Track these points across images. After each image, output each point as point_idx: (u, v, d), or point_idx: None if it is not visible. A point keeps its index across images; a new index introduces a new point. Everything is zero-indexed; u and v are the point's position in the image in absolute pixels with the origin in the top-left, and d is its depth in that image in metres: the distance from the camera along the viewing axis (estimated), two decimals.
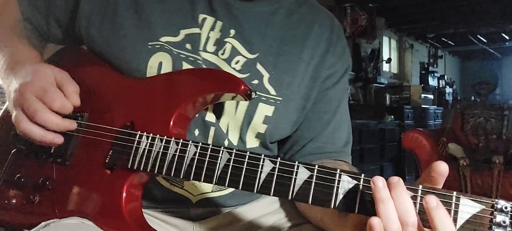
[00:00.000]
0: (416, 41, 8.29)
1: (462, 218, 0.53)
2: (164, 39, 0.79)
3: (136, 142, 0.73)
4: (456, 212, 0.53)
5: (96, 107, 0.80)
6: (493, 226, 0.52)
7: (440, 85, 9.17)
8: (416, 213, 0.53)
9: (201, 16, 0.81)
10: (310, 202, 0.59)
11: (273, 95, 0.81)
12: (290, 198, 0.61)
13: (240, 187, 0.64)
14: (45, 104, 0.72)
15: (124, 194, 0.72)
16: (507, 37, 8.24)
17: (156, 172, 0.70)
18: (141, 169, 0.71)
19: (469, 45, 9.04)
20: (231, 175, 0.65)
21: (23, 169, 0.81)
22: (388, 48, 7.61)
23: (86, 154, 0.77)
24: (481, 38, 8.28)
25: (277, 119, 0.81)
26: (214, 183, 0.66)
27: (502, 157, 3.25)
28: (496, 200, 0.53)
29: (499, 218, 0.52)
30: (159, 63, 0.78)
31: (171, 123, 0.74)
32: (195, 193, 0.81)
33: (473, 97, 8.33)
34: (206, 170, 0.67)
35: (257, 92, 0.76)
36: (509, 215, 0.52)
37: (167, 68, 0.78)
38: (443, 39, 8.57)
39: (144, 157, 0.72)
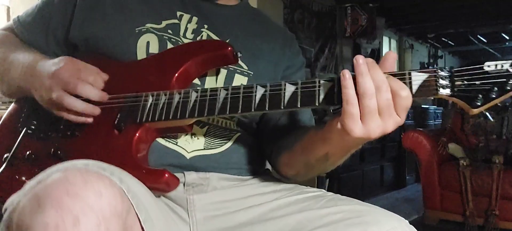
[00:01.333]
0: (416, 41, 8.29)
1: (416, 85, 0.69)
2: (148, 25, 0.92)
3: (142, 100, 0.83)
4: (410, 83, 0.69)
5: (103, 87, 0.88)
6: (438, 88, 0.68)
7: None
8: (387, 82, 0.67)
9: (179, 13, 0.97)
10: (299, 106, 0.73)
11: (245, 69, 0.96)
12: (282, 107, 0.74)
13: (240, 110, 0.76)
14: (81, 80, 0.83)
15: (134, 143, 0.81)
16: (507, 37, 8.24)
17: (163, 118, 0.80)
18: (150, 119, 0.81)
19: (469, 45, 9.03)
20: (231, 104, 0.77)
21: (33, 147, 0.88)
22: (388, 48, 7.61)
23: (94, 123, 0.85)
24: (481, 38, 8.28)
25: None
26: (216, 113, 0.78)
27: (502, 157, 3.26)
28: (437, 68, 0.68)
29: (442, 82, 0.68)
30: (147, 42, 0.91)
31: (172, 85, 0.84)
32: (189, 150, 0.89)
33: None
34: (208, 105, 0.79)
35: (240, 54, 0.87)
36: (449, 79, 0.68)
37: (154, 47, 0.91)
38: (443, 39, 8.56)
39: (151, 109, 0.82)
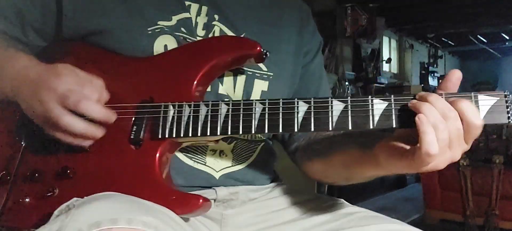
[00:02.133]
0: (416, 41, 8.29)
1: (484, 110, 0.62)
2: (160, 23, 0.81)
3: (162, 111, 0.72)
4: (477, 107, 0.62)
5: (110, 91, 0.75)
6: (510, 112, 0.61)
7: None
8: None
9: (187, 2, 0.84)
10: (350, 128, 0.65)
11: (265, 71, 0.86)
12: (330, 128, 0.66)
13: (280, 129, 0.68)
14: (84, 94, 0.69)
15: (158, 162, 0.71)
16: (507, 37, 8.25)
17: (190, 135, 0.71)
18: (174, 135, 0.71)
19: (469, 45, 9.04)
20: (270, 121, 0.69)
21: (36, 163, 0.76)
22: (388, 48, 7.61)
23: (106, 137, 0.72)
24: (481, 38, 8.28)
25: (272, 93, 0.86)
26: (253, 131, 0.69)
27: (502, 157, 3.25)
28: (507, 92, 0.62)
29: None
30: (165, 45, 0.79)
31: (193, 90, 0.74)
32: (218, 169, 0.83)
33: None
34: (243, 122, 0.69)
35: (268, 54, 0.77)
36: None
37: (171, 48, 0.80)
38: (443, 39, 8.57)
39: (175, 123, 0.71)
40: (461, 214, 3.37)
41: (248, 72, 0.85)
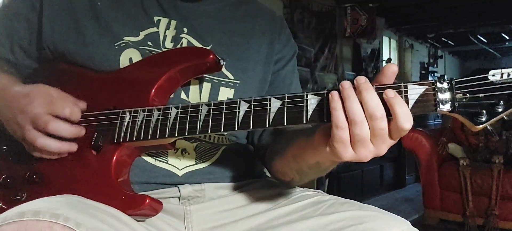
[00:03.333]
0: (416, 41, 8.28)
1: (412, 99, 0.62)
2: (126, 38, 0.86)
3: (119, 118, 0.77)
4: (406, 97, 0.62)
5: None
6: (438, 103, 0.61)
7: None
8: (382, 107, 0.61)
9: (156, 18, 0.90)
10: (285, 124, 0.67)
11: (231, 79, 0.90)
12: (268, 125, 0.68)
13: (222, 128, 0.71)
14: (55, 115, 0.75)
15: (113, 166, 0.75)
16: (507, 37, 8.24)
17: (142, 138, 0.75)
18: (127, 139, 0.76)
19: (469, 45, 9.03)
20: (213, 121, 0.72)
21: (8, 170, 0.81)
22: (388, 48, 7.61)
23: None
24: (481, 38, 8.28)
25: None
26: (198, 132, 0.72)
27: (502, 157, 3.25)
28: (436, 80, 0.61)
29: (441, 96, 0.61)
30: (130, 59, 0.85)
31: (151, 99, 0.78)
32: (180, 167, 0.85)
33: None
34: (189, 124, 0.73)
35: (223, 62, 0.82)
36: (449, 92, 0.61)
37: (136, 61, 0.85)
38: (443, 39, 8.56)
39: (129, 128, 0.76)
40: (461, 214, 3.37)
41: (214, 80, 0.88)
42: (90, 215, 0.63)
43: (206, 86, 0.88)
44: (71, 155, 0.78)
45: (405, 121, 0.60)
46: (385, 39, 7.36)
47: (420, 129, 3.81)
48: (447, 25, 7.12)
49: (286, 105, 0.68)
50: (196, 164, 0.87)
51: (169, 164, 0.85)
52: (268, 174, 1.02)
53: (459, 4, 5.52)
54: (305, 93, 0.67)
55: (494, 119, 0.60)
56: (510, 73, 0.59)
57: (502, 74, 0.60)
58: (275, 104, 0.68)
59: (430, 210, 3.55)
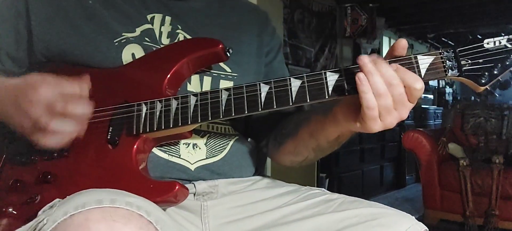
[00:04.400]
0: (416, 41, 8.28)
1: (423, 68, 0.70)
2: (125, 34, 0.86)
3: (135, 110, 0.77)
4: (418, 67, 0.70)
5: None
6: (447, 69, 0.70)
7: (440, 85, 9.16)
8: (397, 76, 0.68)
9: (149, 15, 0.91)
10: (308, 100, 0.71)
11: (229, 72, 0.92)
12: (291, 104, 0.72)
13: (246, 110, 0.73)
14: (67, 94, 0.71)
15: (134, 157, 0.75)
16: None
17: (163, 127, 0.76)
18: (148, 130, 0.76)
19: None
20: (235, 104, 0.74)
21: (17, 173, 0.78)
22: (388, 48, 7.61)
23: (83, 140, 0.75)
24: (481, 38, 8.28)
25: None
26: (221, 116, 0.74)
27: (502, 157, 3.26)
28: (442, 50, 0.70)
29: (448, 63, 0.70)
30: (132, 54, 0.85)
31: (164, 88, 0.79)
32: (192, 161, 0.86)
33: (473, 97, 8.33)
34: (211, 109, 0.74)
35: (231, 51, 0.83)
36: (454, 60, 0.70)
37: (140, 56, 0.85)
38: (443, 39, 8.56)
39: (148, 119, 0.76)
40: (461, 214, 3.37)
41: (214, 74, 0.90)
42: (149, 203, 0.62)
43: (207, 79, 0.89)
44: (87, 151, 0.77)
45: (414, 81, 0.67)
46: (385, 39, 7.37)
47: (420, 129, 3.81)
48: (447, 25, 7.12)
49: (306, 84, 0.72)
50: (207, 158, 0.88)
51: (181, 158, 0.86)
52: (267, 174, 1.04)
53: (459, 4, 5.52)
54: (323, 71, 0.72)
55: (494, 79, 0.70)
56: (501, 40, 0.72)
57: (494, 42, 0.72)
58: (295, 83, 0.72)
59: (430, 210, 3.55)
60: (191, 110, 0.75)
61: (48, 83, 0.72)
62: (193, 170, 0.86)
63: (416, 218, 0.81)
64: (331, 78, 0.71)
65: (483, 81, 0.70)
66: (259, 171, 1.02)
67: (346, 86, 0.70)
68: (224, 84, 0.91)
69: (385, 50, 7.54)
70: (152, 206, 0.63)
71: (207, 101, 0.75)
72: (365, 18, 5.13)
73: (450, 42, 8.90)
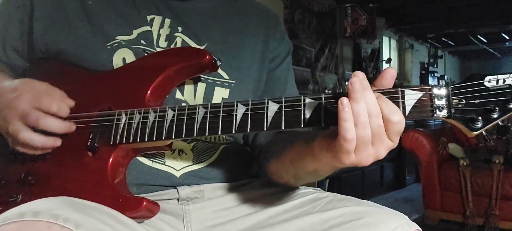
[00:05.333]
0: (416, 41, 8.28)
1: (409, 105, 0.62)
2: (119, 37, 0.85)
3: (115, 119, 0.76)
4: (403, 102, 0.62)
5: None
6: (434, 109, 0.61)
7: None
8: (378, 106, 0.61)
9: (149, 17, 0.89)
10: (283, 127, 0.66)
11: (226, 79, 0.89)
12: (265, 129, 0.67)
13: (220, 131, 0.70)
14: (42, 110, 0.75)
15: (109, 168, 0.74)
16: (507, 37, 8.24)
17: (138, 140, 0.74)
18: (124, 141, 0.75)
19: (469, 45, 9.02)
20: (210, 124, 0.71)
21: (1, 171, 0.81)
22: (388, 48, 7.60)
23: (65, 144, 0.78)
24: (481, 38, 8.27)
25: (233, 99, 0.86)
26: (195, 135, 0.71)
27: (502, 157, 3.25)
28: (433, 86, 0.62)
29: (438, 102, 0.61)
30: (123, 59, 0.84)
31: (147, 99, 0.78)
32: (178, 167, 0.85)
33: None
34: (186, 126, 0.72)
35: (219, 62, 0.81)
36: (445, 98, 0.61)
37: (131, 61, 0.84)
38: (443, 39, 8.56)
39: (125, 130, 0.75)
40: (461, 215, 3.37)
41: (209, 80, 0.87)
42: (90, 216, 0.63)
43: (201, 86, 0.87)
44: (67, 156, 0.78)
45: (391, 112, 0.60)
46: (385, 39, 7.36)
47: (420, 129, 3.81)
48: (447, 25, 7.11)
49: (283, 109, 0.67)
50: (193, 164, 0.86)
51: (166, 165, 0.84)
52: None
53: (459, 4, 5.52)
54: (302, 97, 0.66)
55: (489, 125, 0.61)
56: (505, 79, 0.60)
57: (497, 80, 0.60)
58: (272, 107, 0.67)
59: (430, 210, 3.55)
60: (167, 126, 0.73)
61: (31, 92, 0.75)
62: (178, 176, 0.84)
63: (416, 218, 0.79)
64: (310, 106, 0.65)
65: (476, 126, 0.60)
66: (254, 173, 0.99)
67: (323, 116, 0.64)
68: (219, 92, 0.88)
69: (385, 50, 7.55)
70: (90, 219, 0.62)
71: (183, 117, 0.72)
72: (365, 18, 5.13)
73: (450, 42, 8.91)
